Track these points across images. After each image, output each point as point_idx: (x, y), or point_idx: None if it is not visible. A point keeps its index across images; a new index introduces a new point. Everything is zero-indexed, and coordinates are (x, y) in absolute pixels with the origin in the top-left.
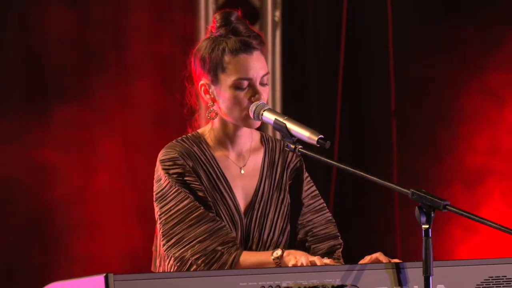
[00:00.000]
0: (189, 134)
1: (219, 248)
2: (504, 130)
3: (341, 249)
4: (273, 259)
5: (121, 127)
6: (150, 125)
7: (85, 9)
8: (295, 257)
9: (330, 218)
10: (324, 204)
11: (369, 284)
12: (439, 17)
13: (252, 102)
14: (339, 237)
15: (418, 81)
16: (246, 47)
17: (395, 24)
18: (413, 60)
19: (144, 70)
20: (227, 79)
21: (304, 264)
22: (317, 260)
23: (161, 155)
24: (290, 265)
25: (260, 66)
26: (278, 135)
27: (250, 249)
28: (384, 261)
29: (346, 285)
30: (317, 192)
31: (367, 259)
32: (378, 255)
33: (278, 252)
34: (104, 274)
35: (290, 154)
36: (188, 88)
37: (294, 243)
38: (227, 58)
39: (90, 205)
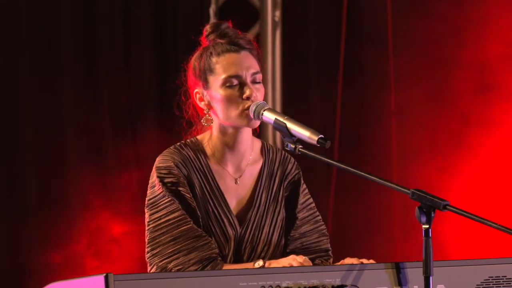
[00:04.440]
0: (187, 140)
1: (196, 266)
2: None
3: (329, 261)
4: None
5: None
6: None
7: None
8: (278, 264)
9: (324, 231)
10: (320, 217)
11: (369, 284)
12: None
13: (244, 99)
14: (330, 251)
15: (418, 80)
16: (232, 46)
17: (395, 24)
18: (413, 60)
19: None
20: (216, 80)
21: (295, 265)
22: (304, 261)
23: (157, 162)
24: None
25: (248, 64)
26: (278, 136)
27: (242, 259)
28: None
29: (346, 285)
30: (313, 204)
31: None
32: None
33: (260, 262)
34: (104, 274)
35: (290, 165)
36: (185, 101)
37: (284, 256)
38: (214, 59)
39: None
